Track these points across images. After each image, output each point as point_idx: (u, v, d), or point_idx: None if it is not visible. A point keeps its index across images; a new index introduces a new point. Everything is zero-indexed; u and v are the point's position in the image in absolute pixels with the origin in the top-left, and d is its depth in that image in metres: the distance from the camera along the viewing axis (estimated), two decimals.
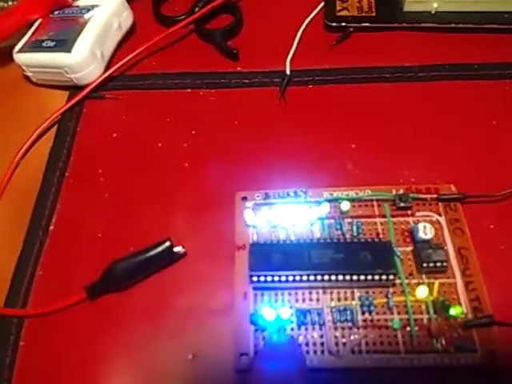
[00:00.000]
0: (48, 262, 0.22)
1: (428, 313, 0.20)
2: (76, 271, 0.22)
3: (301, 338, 0.20)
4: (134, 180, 0.25)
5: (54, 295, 0.21)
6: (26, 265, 0.22)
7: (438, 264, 0.20)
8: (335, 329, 0.20)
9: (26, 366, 0.20)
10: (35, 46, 0.28)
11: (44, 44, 0.28)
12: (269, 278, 0.20)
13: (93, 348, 0.20)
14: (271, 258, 0.20)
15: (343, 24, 0.31)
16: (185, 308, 0.21)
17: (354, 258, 0.20)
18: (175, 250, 0.21)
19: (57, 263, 0.22)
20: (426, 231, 0.21)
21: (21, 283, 0.22)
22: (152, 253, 0.21)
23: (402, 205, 0.22)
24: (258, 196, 0.24)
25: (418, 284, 0.20)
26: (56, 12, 0.30)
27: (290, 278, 0.20)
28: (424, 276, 0.21)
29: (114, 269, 0.21)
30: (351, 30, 0.31)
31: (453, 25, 0.30)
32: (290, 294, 0.21)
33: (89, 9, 0.29)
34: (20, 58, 0.29)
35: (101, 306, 0.21)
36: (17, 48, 0.29)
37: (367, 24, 0.30)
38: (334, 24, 0.31)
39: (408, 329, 0.20)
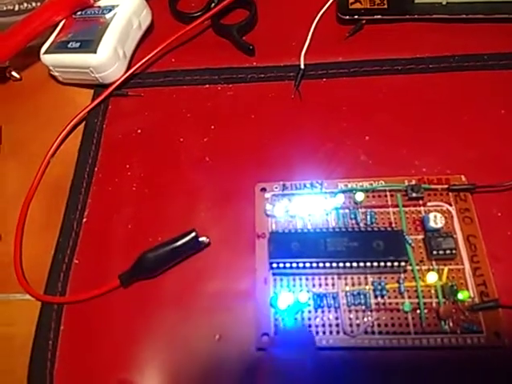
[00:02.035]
0: (83, 252, 0.24)
1: (437, 297, 0.21)
2: (109, 260, 0.24)
3: (318, 320, 0.21)
4: (159, 173, 0.27)
5: (89, 283, 0.23)
6: (62, 255, 0.24)
7: (448, 251, 0.22)
8: (349, 311, 0.21)
9: (66, 349, 0.22)
10: (61, 47, 0.30)
11: (69, 45, 0.29)
12: (287, 265, 0.22)
13: (127, 331, 0.22)
14: (290, 245, 0.22)
15: (356, 17, 0.31)
16: (210, 293, 0.22)
17: (368, 246, 0.22)
18: (200, 239, 0.23)
19: (91, 253, 0.24)
20: (436, 220, 0.22)
21: (59, 272, 0.24)
22: (179, 243, 0.22)
23: (414, 195, 0.24)
24: (276, 187, 0.25)
25: (428, 270, 0.22)
26: (78, 13, 0.31)
27: (308, 265, 0.22)
28: (434, 263, 0.22)
29: (145, 258, 0.22)
30: (363, 22, 0.31)
31: (464, 15, 0.30)
32: (307, 279, 0.22)
33: (110, 9, 0.30)
34: (47, 59, 0.30)
35: (133, 293, 0.23)
36: (43, 49, 0.30)
37: (379, 16, 0.31)
38: (347, 17, 0.31)
39: (418, 312, 0.21)
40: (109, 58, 0.29)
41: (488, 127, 0.26)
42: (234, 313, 0.22)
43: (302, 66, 0.30)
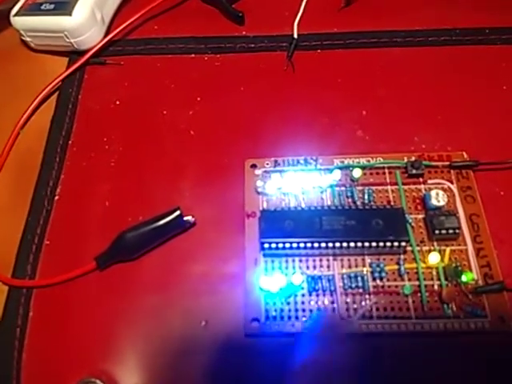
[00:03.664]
0: (55, 232, 0.22)
1: (439, 279, 0.20)
2: (84, 241, 0.22)
3: (312, 304, 0.20)
4: (140, 148, 0.25)
5: (62, 265, 0.21)
6: (32, 235, 0.22)
7: (451, 231, 0.20)
8: (346, 295, 0.20)
9: (36, 337, 0.20)
10: (33, 9, 0.27)
11: (42, 7, 0.27)
12: (280, 245, 0.20)
13: (104, 318, 0.20)
14: (282, 224, 0.20)
15: None
16: (196, 276, 0.21)
17: (366, 224, 0.20)
18: (185, 219, 0.21)
19: (64, 233, 0.22)
20: (438, 198, 0.21)
21: (28, 254, 0.22)
22: (161, 222, 0.21)
23: (415, 172, 0.22)
24: (267, 163, 0.23)
25: (429, 251, 0.20)
26: None
27: (302, 245, 0.20)
28: (435, 243, 0.21)
29: (124, 238, 0.20)
30: None
31: None
32: (300, 261, 0.21)
33: None
34: (17, 21, 0.27)
35: (111, 276, 0.21)
36: (13, 11, 0.28)
37: None
38: None
39: (419, 295, 0.20)
40: (85, 22, 0.26)
41: (490, 103, 0.25)
42: (221, 297, 0.20)
43: (296, 36, 0.28)
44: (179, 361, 0.19)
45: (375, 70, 0.27)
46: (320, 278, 0.20)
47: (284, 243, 0.20)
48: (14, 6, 0.28)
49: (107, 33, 0.28)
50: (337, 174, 0.22)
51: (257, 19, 0.29)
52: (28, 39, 0.28)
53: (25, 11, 0.27)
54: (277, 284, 0.20)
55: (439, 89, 0.26)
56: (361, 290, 0.20)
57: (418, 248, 0.21)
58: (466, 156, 0.23)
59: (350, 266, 0.20)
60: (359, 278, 0.20)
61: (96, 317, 0.20)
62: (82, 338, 0.20)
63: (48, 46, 0.28)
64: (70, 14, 0.26)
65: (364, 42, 0.28)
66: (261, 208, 0.22)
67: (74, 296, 0.21)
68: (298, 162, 0.23)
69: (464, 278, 0.20)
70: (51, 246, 0.22)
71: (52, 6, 0.27)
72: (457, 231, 0.20)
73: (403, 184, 0.22)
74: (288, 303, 0.20)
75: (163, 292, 0.20)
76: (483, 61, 0.27)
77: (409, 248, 0.21)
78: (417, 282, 0.20)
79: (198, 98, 0.26)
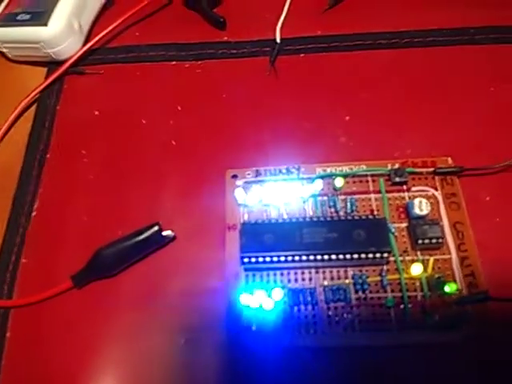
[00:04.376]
0: (32, 249, 0.22)
1: (422, 290, 0.19)
2: (61, 258, 0.21)
3: (293, 318, 0.19)
4: (119, 160, 0.24)
5: (39, 284, 0.21)
6: (9, 254, 0.22)
7: (434, 240, 0.20)
8: (328, 308, 0.20)
9: (13, 357, 0.19)
10: (9, 20, 0.27)
11: (18, 17, 0.26)
12: (260, 259, 0.20)
13: (81, 337, 0.20)
14: (263, 238, 0.20)
15: None
16: (175, 292, 0.20)
17: (348, 236, 0.20)
18: (164, 234, 0.21)
19: (41, 250, 0.22)
20: (421, 207, 0.20)
21: (4, 273, 0.21)
22: (140, 238, 0.20)
23: (398, 180, 0.22)
24: (248, 174, 0.23)
25: (413, 261, 0.20)
26: None
27: (282, 259, 0.20)
28: (419, 252, 0.20)
29: (101, 255, 0.20)
30: None
31: None
32: (282, 275, 0.20)
33: None
34: None
35: (89, 294, 0.20)
36: None
37: None
38: None
39: (402, 306, 0.19)
40: (62, 31, 0.26)
41: (476, 106, 0.25)
42: (202, 312, 0.20)
43: (278, 41, 0.28)
44: (160, 378, 0.19)
45: (359, 74, 0.26)
46: (302, 291, 0.20)
47: (264, 257, 0.20)
48: None
49: (86, 41, 0.28)
50: (319, 184, 0.22)
51: (239, 24, 0.29)
52: (5, 50, 0.28)
53: (0, 22, 0.27)
54: (257, 299, 0.19)
55: (424, 91, 0.25)
56: (343, 303, 0.20)
57: (401, 258, 0.20)
58: (450, 162, 0.23)
59: (332, 279, 0.20)
60: (341, 291, 0.20)
61: (75, 335, 0.20)
62: (60, 358, 0.19)
63: (25, 56, 0.28)
64: (45, 25, 0.25)
65: (348, 44, 0.28)
66: (242, 220, 0.22)
67: (51, 315, 0.20)
68: (280, 171, 0.23)
69: (447, 289, 0.19)
70: (28, 265, 0.21)
71: (28, 17, 0.26)
72: (440, 240, 0.20)
73: (387, 192, 0.22)
74: (269, 317, 0.19)
75: (143, 308, 0.20)
76: (470, 62, 0.26)
77: (392, 258, 0.20)
78: (400, 294, 0.20)
79: (179, 107, 0.26)
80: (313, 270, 0.20)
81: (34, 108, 0.27)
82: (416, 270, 0.20)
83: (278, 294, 0.19)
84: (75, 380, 0.19)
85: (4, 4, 0.28)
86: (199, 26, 0.29)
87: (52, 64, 0.28)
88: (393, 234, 0.21)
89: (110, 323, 0.20)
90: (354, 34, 0.28)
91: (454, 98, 0.25)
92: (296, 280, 0.20)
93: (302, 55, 0.27)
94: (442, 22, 0.28)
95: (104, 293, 0.20)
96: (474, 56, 0.26)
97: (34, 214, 0.23)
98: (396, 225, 0.21)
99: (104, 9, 0.30)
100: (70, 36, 0.26)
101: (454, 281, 0.20)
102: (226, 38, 0.28)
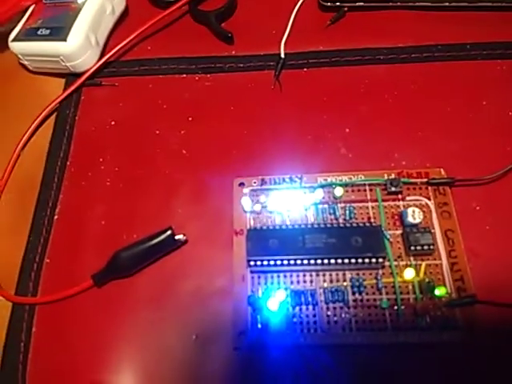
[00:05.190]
0: (55, 250, 0.24)
1: (414, 293, 0.21)
2: (82, 259, 0.23)
3: (295, 318, 0.21)
4: (134, 168, 0.26)
5: (62, 282, 0.22)
6: (33, 254, 0.23)
7: (425, 247, 0.21)
8: (327, 308, 0.21)
9: (39, 351, 0.21)
10: (30, 35, 0.28)
11: (39, 32, 0.28)
12: (265, 262, 0.21)
13: (101, 332, 0.21)
14: (267, 243, 0.22)
15: (337, 3, 0.30)
16: (187, 292, 0.22)
17: (346, 242, 0.21)
18: (176, 237, 0.22)
19: (63, 251, 0.24)
20: (414, 216, 0.22)
21: (29, 272, 0.23)
22: (154, 241, 0.22)
23: (393, 189, 0.23)
24: (254, 182, 0.24)
25: (406, 266, 0.22)
26: None
27: (286, 262, 0.21)
28: (412, 258, 0.22)
29: (119, 257, 0.22)
30: (346, 9, 0.30)
31: (446, 3, 0.30)
32: (285, 277, 0.22)
33: None
34: (15, 47, 0.29)
35: (107, 293, 0.22)
36: (11, 36, 0.29)
37: (361, 3, 0.30)
38: (329, 3, 0.30)
39: (395, 308, 0.21)
40: (80, 46, 0.27)
41: (469, 119, 0.26)
42: (211, 312, 0.22)
43: (283, 55, 0.29)
44: (171, 373, 0.20)
45: (359, 87, 0.28)
46: (303, 292, 0.22)
47: (269, 261, 0.21)
48: (12, 28, 0.29)
49: (102, 55, 0.29)
50: (319, 193, 0.23)
51: (245, 38, 0.30)
52: (26, 62, 0.29)
53: (22, 36, 0.29)
54: (276, 302, 0.21)
55: (420, 105, 0.27)
56: (341, 304, 0.21)
57: (396, 263, 0.22)
58: (443, 173, 0.24)
59: (331, 281, 0.22)
60: (340, 293, 0.21)
61: (95, 330, 0.21)
62: (81, 351, 0.21)
63: (45, 68, 0.29)
64: (65, 40, 0.27)
65: (348, 59, 0.29)
66: (248, 226, 0.23)
67: (74, 311, 0.22)
68: (284, 180, 0.24)
69: (437, 292, 0.21)
70: (51, 265, 0.23)
71: (48, 32, 0.28)
72: (431, 247, 0.22)
73: (383, 201, 0.24)
74: (274, 317, 0.21)
75: (157, 306, 0.22)
76: (464, 76, 0.28)
77: (387, 263, 0.22)
78: (394, 296, 0.21)
79: (190, 118, 0.27)
80: (313, 273, 0.22)
81: (53, 117, 0.28)
82: (409, 274, 0.21)
83: (282, 295, 0.21)
84: (94, 372, 0.21)
85: (24, 19, 0.30)
86: (208, 41, 0.31)
87: (70, 76, 0.29)
88: (388, 240, 0.22)
89: (127, 319, 0.22)
90: (354, 50, 0.29)
91: (449, 112, 0.26)
92: (298, 282, 0.22)
93: (304, 69, 0.29)
94: (438, 38, 0.29)
95: (121, 291, 0.22)
96: (468, 71, 0.28)
97: (56, 217, 0.24)
98: (391, 231, 0.23)
99: (119, 23, 0.31)
100: (87, 50, 0.28)
101: (444, 285, 0.21)
102: (233, 52, 0.30)
